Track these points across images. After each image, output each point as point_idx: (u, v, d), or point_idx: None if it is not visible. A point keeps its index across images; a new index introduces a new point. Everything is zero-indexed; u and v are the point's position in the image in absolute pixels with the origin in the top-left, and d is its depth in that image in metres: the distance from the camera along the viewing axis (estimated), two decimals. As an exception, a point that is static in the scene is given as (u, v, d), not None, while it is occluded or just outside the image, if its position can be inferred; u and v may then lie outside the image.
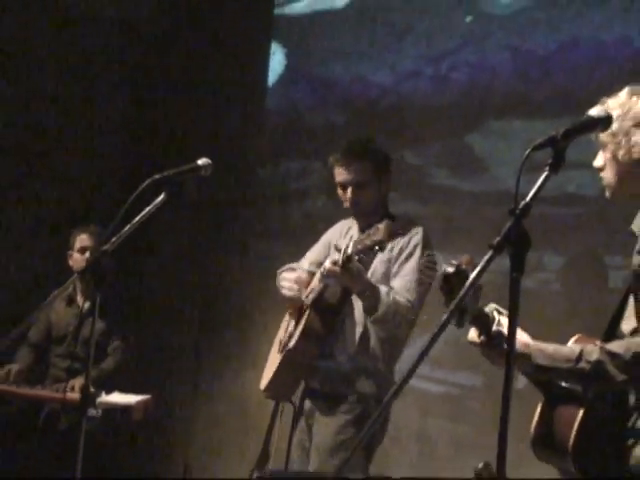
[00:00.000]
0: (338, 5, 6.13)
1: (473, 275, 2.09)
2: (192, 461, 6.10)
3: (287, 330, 4.02)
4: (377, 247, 3.31)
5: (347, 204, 3.85)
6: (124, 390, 4.85)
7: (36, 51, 6.18)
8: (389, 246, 3.65)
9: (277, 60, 6.45)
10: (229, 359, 6.17)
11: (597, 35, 5.03)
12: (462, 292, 2.10)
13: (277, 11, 6.54)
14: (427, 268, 3.72)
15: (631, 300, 2.48)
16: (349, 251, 3.45)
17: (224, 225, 6.51)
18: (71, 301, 5.32)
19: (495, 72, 5.34)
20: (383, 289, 3.61)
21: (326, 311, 3.75)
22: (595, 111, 2.29)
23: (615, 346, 2.34)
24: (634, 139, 2.50)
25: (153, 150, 6.61)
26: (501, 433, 1.99)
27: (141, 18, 6.60)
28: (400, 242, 3.72)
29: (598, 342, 2.38)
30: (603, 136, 2.54)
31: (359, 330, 3.70)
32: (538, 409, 2.54)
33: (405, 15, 5.81)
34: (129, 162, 6.49)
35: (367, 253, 3.48)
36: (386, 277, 3.73)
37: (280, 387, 3.97)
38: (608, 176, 2.58)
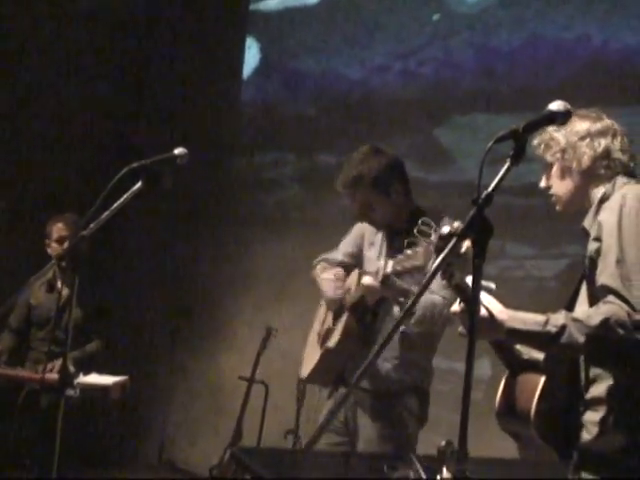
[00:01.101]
0: (311, 2, 6.25)
1: (439, 259, 2.20)
2: (167, 439, 6.21)
3: (324, 322, 4.01)
4: (415, 272, 3.29)
5: None
6: (102, 371, 4.96)
7: (16, 41, 6.24)
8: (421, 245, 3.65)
9: (252, 54, 6.55)
10: (204, 341, 6.26)
11: (558, 33, 5.14)
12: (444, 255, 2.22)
13: (252, 7, 6.64)
14: None
15: (584, 286, 2.66)
16: (388, 271, 3.50)
17: (199, 212, 6.60)
18: (51, 287, 5.32)
19: (461, 68, 5.45)
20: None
21: (365, 313, 3.76)
22: (555, 106, 2.36)
23: (579, 313, 2.52)
24: (581, 150, 2.71)
25: (130, 139, 6.70)
26: (463, 410, 2.10)
27: (119, 12, 6.65)
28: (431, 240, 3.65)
29: (563, 311, 2.54)
30: (550, 157, 2.75)
31: (400, 328, 3.57)
32: (502, 382, 2.71)
33: (375, 12, 5.92)
34: (107, 150, 6.56)
35: (404, 276, 3.48)
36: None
37: (320, 377, 3.95)
38: (559, 191, 2.76)
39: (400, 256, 3.38)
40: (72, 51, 6.53)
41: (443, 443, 2.74)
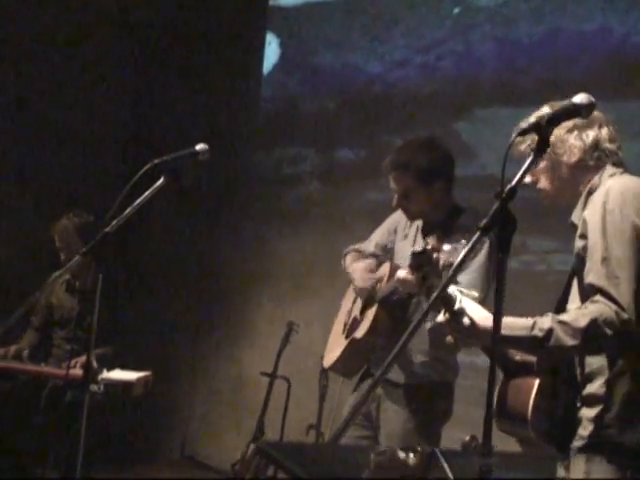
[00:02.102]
0: (330, -3, 6.26)
1: (463, 253, 2.21)
2: (190, 436, 6.24)
3: (351, 312, 4.02)
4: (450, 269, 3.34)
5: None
6: (125, 366, 4.98)
7: (38, 45, 6.28)
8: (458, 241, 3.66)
9: (272, 50, 6.56)
10: (226, 337, 6.28)
11: (579, 26, 5.11)
12: (452, 270, 2.25)
13: (272, 3, 6.65)
14: (495, 263, 3.68)
15: (575, 282, 2.65)
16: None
17: (219, 209, 6.62)
18: (70, 286, 5.37)
19: (481, 62, 5.42)
20: (450, 289, 3.59)
21: (394, 307, 3.76)
22: (578, 98, 2.35)
23: (565, 316, 2.50)
24: (570, 142, 2.69)
25: (152, 136, 6.72)
26: (488, 406, 2.11)
27: (139, 9, 6.68)
28: (468, 237, 3.68)
29: (550, 313, 2.52)
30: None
31: (428, 324, 3.58)
32: (498, 385, 2.69)
33: (394, 7, 5.91)
34: (129, 148, 6.60)
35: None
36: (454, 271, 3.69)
37: (345, 367, 3.97)
38: (548, 185, 2.74)
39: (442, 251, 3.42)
40: (93, 49, 6.57)
41: (467, 438, 2.74)
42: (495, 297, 2.20)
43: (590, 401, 2.55)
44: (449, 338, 2.62)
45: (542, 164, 2.74)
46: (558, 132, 2.66)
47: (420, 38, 5.77)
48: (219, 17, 6.77)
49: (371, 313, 3.81)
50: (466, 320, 2.55)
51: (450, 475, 2.23)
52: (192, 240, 6.64)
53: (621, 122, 4.95)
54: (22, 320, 5.22)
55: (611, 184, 2.62)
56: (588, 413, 2.54)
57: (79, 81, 6.52)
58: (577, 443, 2.54)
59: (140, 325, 6.04)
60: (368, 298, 3.90)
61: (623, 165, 2.71)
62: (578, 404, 2.58)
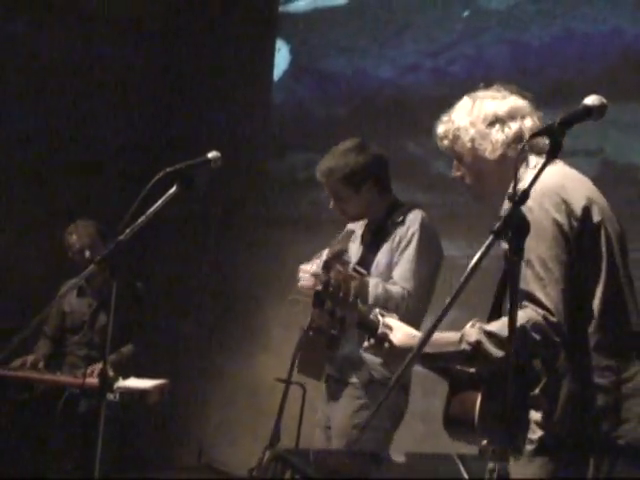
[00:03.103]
0: (339, 2, 6.25)
1: (476, 258, 2.15)
2: (205, 441, 6.25)
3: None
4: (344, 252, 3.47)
5: None
6: (140, 375, 5.00)
7: (51, 50, 6.33)
8: (392, 236, 3.79)
9: (282, 56, 6.57)
10: (241, 343, 6.29)
11: (590, 27, 5.11)
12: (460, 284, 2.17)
13: (281, 9, 6.67)
14: (426, 253, 3.77)
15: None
16: (323, 257, 3.80)
17: (232, 215, 6.63)
18: (82, 291, 5.41)
19: (492, 65, 5.40)
20: (372, 281, 3.70)
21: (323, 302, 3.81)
22: (590, 100, 2.30)
23: (492, 326, 2.45)
24: (493, 137, 2.65)
25: (165, 145, 6.74)
26: (506, 412, 2.11)
27: (149, 17, 6.70)
28: (399, 231, 3.80)
29: (477, 323, 2.48)
30: (459, 147, 2.69)
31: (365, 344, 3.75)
32: (446, 394, 2.68)
33: (404, 11, 5.91)
34: (141, 156, 6.62)
35: (337, 258, 3.72)
36: (389, 267, 3.79)
37: (307, 366, 4.08)
38: (474, 181, 2.72)
39: (333, 241, 3.53)
40: (106, 57, 6.61)
41: (484, 442, 2.73)
42: (510, 301, 2.17)
43: (535, 404, 2.50)
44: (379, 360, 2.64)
45: (466, 160, 2.70)
46: (479, 126, 2.66)
47: (430, 42, 5.78)
48: (229, 24, 6.79)
49: (309, 315, 3.91)
50: (386, 345, 2.55)
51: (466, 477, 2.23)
52: (206, 247, 6.65)
53: (634, 123, 4.97)
54: (38, 329, 5.27)
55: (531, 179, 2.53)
56: (535, 416, 2.50)
57: (93, 90, 6.55)
58: (528, 447, 2.49)
59: (154, 332, 6.04)
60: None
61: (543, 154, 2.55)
62: (527, 407, 2.53)
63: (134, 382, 4.86)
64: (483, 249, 2.18)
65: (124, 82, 6.71)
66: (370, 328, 2.60)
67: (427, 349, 2.42)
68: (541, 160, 2.49)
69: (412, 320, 3.72)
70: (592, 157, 5.01)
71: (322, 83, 6.37)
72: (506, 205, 2.55)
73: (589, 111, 2.31)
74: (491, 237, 2.17)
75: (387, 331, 2.57)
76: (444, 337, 2.47)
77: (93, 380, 4.70)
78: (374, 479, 1.75)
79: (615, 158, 5.00)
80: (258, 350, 6.19)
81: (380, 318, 2.62)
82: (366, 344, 2.64)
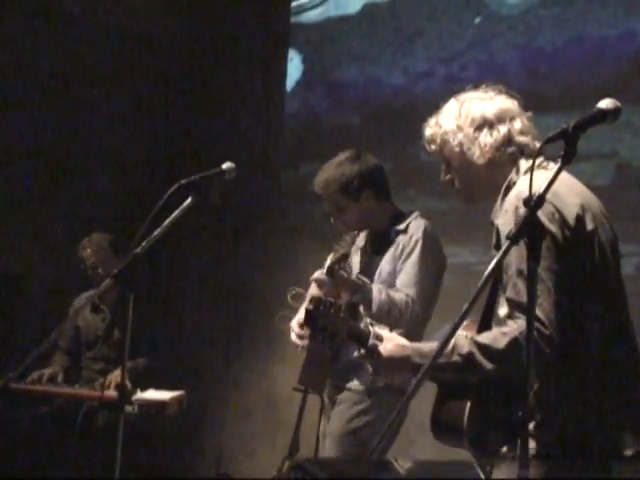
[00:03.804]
0: (351, 12, 6.25)
1: (492, 264, 2.14)
2: (224, 452, 6.23)
3: None
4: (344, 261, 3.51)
5: None
6: (158, 387, 5.00)
7: (64, 64, 6.36)
8: (395, 245, 3.82)
9: (294, 66, 6.58)
10: (258, 354, 6.28)
11: (602, 31, 5.09)
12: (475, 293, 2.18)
13: (293, 19, 6.67)
14: (430, 260, 3.80)
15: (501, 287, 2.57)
16: (327, 263, 3.81)
17: (247, 226, 6.63)
18: (96, 306, 5.41)
19: (504, 70, 5.40)
20: (375, 287, 3.73)
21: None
22: (604, 104, 2.29)
23: (483, 337, 2.45)
24: (482, 141, 2.62)
25: (179, 156, 6.76)
26: (523, 413, 2.10)
27: (163, 30, 6.74)
28: (402, 239, 3.83)
29: (469, 334, 2.49)
30: (447, 152, 2.68)
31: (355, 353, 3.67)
32: (434, 398, 2.69)
33: (415, 19, 5.92)
34: (156, 168, 6.64)
35: (340, 263, 3.73)
36: (392, 275, 3.82)
37: (308, 379, 4.08)
38: (464, 184, 2.71)
39: (336, 246, 3.54)
40: (120, 73, 6.64)
41: (504, 449, 2.73)
42: (527, 305, 2.14)
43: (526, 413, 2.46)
44: (370, 370, 2.69)
45: (454, 164, 2.69)
46: (467, 130, 2.63)
47: (442, 49, 5.78)
48: (242, 35, 6.80)
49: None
50: (376, 357, 2.56)
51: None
52: (221, 258, 6.66)
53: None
54: (55, 343, 5.28)
55: (518, 186, 2.53)
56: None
57: (107, 103, 6.58)
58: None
59: (171, 343, 6.05)
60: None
61: (541, 154, 2.57)
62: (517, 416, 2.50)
63: (152, 394, 4.87)
64: (499, 255, 2.17)
65: (138, 93, 6.73)
66: (360, 339, 2.61)
67: (419, 360, 2.47)
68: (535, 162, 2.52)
69: (415, 326, 3.76)
70: (606, 160, 5.00)
71: (335, 92, 6.38)
72: (497, 210, 2.60)
73: (604, 115, 2.29)
74: (507, 242, 2.15)
75: (377, 342, 2.57)
76: (434, 348, 2.43)
77: (111, 393, 4.72)
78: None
79: (629, 161, 4.98)
80: (275, 361, 6.17)
81: (370, 329, 2.63)
82: (356, 354, 2.68)
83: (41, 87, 6.29)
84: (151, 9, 6.63)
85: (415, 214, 3.93)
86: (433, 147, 2.74)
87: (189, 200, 3.12)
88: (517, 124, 2.64)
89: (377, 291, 3.71)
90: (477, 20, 5.66)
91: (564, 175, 2.52)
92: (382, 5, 6.12)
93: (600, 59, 5.05)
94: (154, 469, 5.50)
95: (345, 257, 3.72)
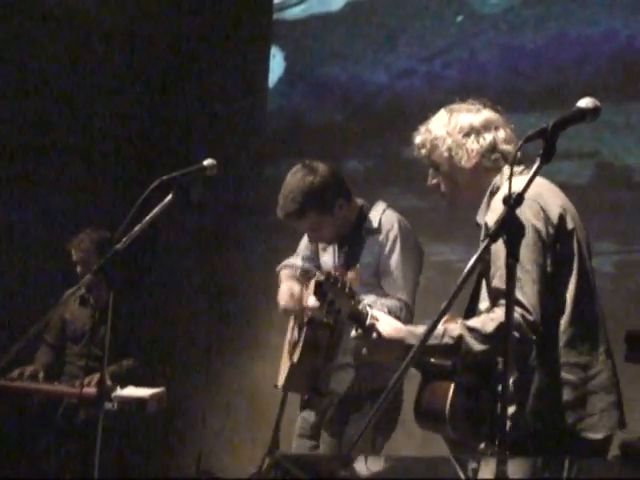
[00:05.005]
0: (333, 9, 6.25)
1: (473, 260, 2.21)
2: (205, 449, 6.23)
3: (293, 334, 4.06)
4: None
5: None
6: (138, 383, 4.99)
7: (47, 61, 6.34)
8: (370, 246, 3.73)
9: (277, 63, 6.57)
10: (239, 351, 6.28)
11: (583, 30, 5.11)
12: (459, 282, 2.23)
13: (276, 16, 6.66)
14: (412, 257, 3.75)
15: (484, 283, 2.74)
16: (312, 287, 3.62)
17: (228, 223, 6.62)
18: (84, 301, 5.40)
19: (486, 69, 5.43)
20: (368, 299, 3.56)
21: (322, 326, 3.78)
22: (584, 103, 2.36)
23: (473, 322, 2.61)
24: (469, 146, 2.82)
25: (160, 153, 6.74)
26: (501, 412, 2.15)
27: (145, 27, 6.71)
28: (377, 240, 3.75)
29: (459, 320, 2.64)
30: (436, 157, 2.87)
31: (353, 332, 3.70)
32: (418, 386, 2.83)
33: (398, 17, 5.91)
34: (136, 165, 6.63)
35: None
36: (375, 275, 3.73)
37: (294, 386, 4.03)
38: (450, 188, 2.88)
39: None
40: (98, 66, 6.63)
41: (482, 445, 2.78)
42: (506, 301, 2.21)
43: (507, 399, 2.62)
44: (364, 350, 2.74)
45: (442, 168, 2.87)
46: (456, 136, 2.83)
47: (425, 47, 5.79)
48: (224, 31, 6.79)
49: (302, 335, 3.84)
50: (374, 335, 2.66)
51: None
52: (203, 255, 6.65)
53: (629, 124, 4.98)
54: (36, 338, 5.26)
55: (503, 189, 2.65)
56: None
57: (87, 99, 6.56)
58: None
59: (153, 341, 6.04)
60: (299, 320, 3.93)
61: (523, 164, 2.75)
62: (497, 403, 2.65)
63: (132, 391, 4.85)
64: (479, 253, 2.25)
65: (119, 89, 6.71)
66: (359, 319, 2.72)
67: (412, 341, 2.60)
68: (518, 169, 2.70)
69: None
70: (587, 159, 5.02)
71: (317, 89, 6.37)
72: (482, 211, 2.79)
73: (583, 114, 2.35)
74: (487, 241, 2.23)
75: (374, 322, 2.70)
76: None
77: (91, 390, 4.71)
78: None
79: (610, 160, 5.01)
80: (256, 358, 6.18)
81: (369, 310, 2.74)
82: (354, 333, 2.75)
83: (21, 80, 6.26)
84: (133, 5, 6.61)
85: (381, 207, 3.84)
86: (423, 152, 2.92)
87: (170, 197, 3.13)
88: (501, 133, 2.84)
89: (372, 303, 3.65)
90: (459, 18, 5.66)
91: (544, 181, 2.74)
92: (365, 3, 6.13)
93: (582, 58, 5.07)
94: (134, 466, 5.50)
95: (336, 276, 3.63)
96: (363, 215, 3.83)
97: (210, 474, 6.26)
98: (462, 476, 2.04)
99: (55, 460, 5.04)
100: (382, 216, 3.78)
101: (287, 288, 3.97)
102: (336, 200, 3.76)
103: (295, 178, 3.81)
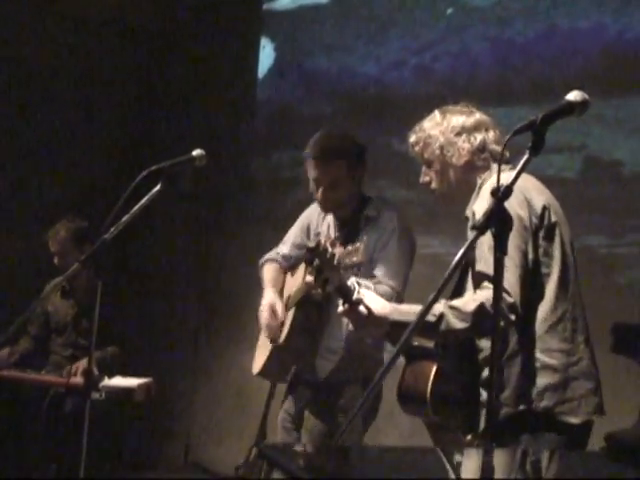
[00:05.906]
0: (324, 0, 6.26)
1: (461, 252, 2.27)
2: (192, 440, 6.24)
3: (272, 318, 4.00)
4: (356, 268, 3.21)
5: (317, 200, 3.86)
6: (126, 374, 4.99)
7: (37, 52, 6.34)
8: (368, 235, 3.68)
9: (266, 54, 6.57)
10: (227, 342, 6.28)
11: (573, 23, 5.11)
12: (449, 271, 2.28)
13: (266, 7, 6.66)
14: (407, 250, 3.75)
15: (471, 271, 2.83)
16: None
17: (217, 214, 6.62)
18: (66, 293, 5.38)
19: (476, 61, 5.43)
20: (349, 281, 3.66)
21: (311, 307, 3.78)
22: (572, 96, 2.40)
23: (456, 301, 2.73)
24: (460, 145, 2.95)
25: (150, 143, 6.73)
26: (489, 404, 2.20)
27: (133, 18, 6.72)
28: (376, 227, 3.74)
29: (443, 299, 2.71)
30: (429, 154, 3.00)
31: (345, 320, 3.55)
32: (401, 369, 2.90)
33: (388, 8, 5.91)
34: (127, 155, 6.62)
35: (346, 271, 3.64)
36: (368, 263, 3.65)
37: (272, 372, 4.04)
38: (441, 185, 3.01)
39: (342, 252, 3.23)
40: (91, 55, 6.61)
41: (469, 437, 2.80)
42: (494, 293, 2.26)
43: (486, 385, 2.73)
44: (350, 327, 2.86)
45: (434, 166, 3.00)
46: (448, 135, 2.97)
47: (415, 39, 5.79)
48: (213, 22, 6.78)
49: (289, 317, 3.83)
50: (362, 309, 2.74)
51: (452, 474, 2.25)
52: (191, 246, 6.64)
53: (618, 119, 4.99)
54: (20, 330, 5.25)
55: (491, 180, 2.80)
56: (485, 397, 2.72)
57: (76, 88, 6.55)
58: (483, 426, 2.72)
59: (140, 331, 6.04)
60: (287, 302, 3.92)
61: (509, 163, 2.86)
62: (479, 388, 2.78)
63: (120, 381, 4.87)
64: (467, 245, 2.31)
65: (107, 80, 6.70)
66: (346, 293, 2.76)
67: (397, 316, 2.73)
68: (507, 167, 2.76)
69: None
70: (575, 153, 5.04)
71: (307, 80, 6.36)
72: (471, 205, 2.89)
73: (571, 107, 2.39)
74: (474, 233, 2.28)
75: (361, 297, 2.78)
76: (412, 308, 2.74)
77: (78, 380, 4.71)
78: (360, 479, 1.78)
79: (598, 154, 5.02)
80: (244, 349, 6.15)
81: (356, 286, 2.81)
82: (341, 308, 2.80)
83: (7, 74, 6.23)
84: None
85: (382, 199, 3.88)
86: (416, 150, 3.05)
87: (158, 187, 3.13)
88: (491, 134, 2.98)
89: (365, 285, 3.65)
90: (449, 11, 5.66)
91: (531, 178, 2.86)
92: (355, -6, 6.13)
93: (571, 52, 5.08)
94: (122, 456, 5.50)
95: (357, 266, 3.58)
96: (365, 203, 3.83)
97: (198, 465, 6.27)
98: (450, 469, 2.05)
99: (41, 449, 5.03)
100: (383, 206, 3.79)
101: (268, 305, 3.95)
102: (362, 168, 3.78)
103: (336, 131, 3.87)
